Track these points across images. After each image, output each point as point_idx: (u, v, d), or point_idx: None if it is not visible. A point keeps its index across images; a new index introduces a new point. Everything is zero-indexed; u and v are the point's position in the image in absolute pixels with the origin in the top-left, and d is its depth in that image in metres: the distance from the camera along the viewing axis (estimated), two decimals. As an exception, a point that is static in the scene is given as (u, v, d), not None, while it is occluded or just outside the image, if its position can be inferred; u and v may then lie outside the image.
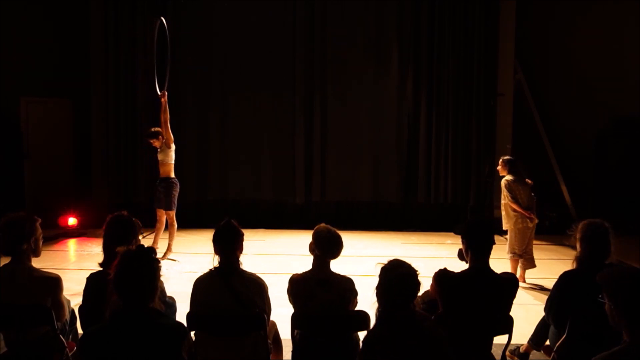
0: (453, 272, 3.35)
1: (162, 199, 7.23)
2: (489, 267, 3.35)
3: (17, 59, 10.43)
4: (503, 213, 6.72)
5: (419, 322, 2.62)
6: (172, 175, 7.34)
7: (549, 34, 10.90)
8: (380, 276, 2.70)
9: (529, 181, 6.69)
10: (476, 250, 3.35)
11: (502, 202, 6.68)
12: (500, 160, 6.89)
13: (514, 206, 6.52)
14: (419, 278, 2.69)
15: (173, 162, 7.34)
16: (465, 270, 3.38)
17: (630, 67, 10.49)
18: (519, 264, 6.65)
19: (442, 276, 3.32)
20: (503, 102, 10.27)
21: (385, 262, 2.75)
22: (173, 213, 7.23)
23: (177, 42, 10.19)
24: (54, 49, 10.79)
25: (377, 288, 2.69)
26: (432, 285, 3.38)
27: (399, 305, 2.61)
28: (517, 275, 6.57)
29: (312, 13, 10.31)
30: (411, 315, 2.62)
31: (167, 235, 7.41)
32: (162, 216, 7.26)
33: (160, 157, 7.34)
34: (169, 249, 7.29)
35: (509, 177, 6.62)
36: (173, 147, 7.33)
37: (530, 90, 10.64)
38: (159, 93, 7.35)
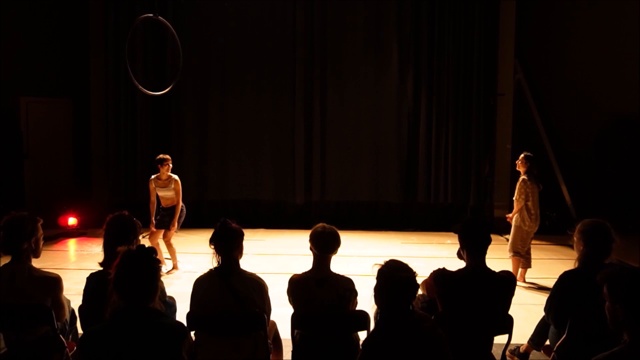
0: (450, 271, 3.36)
1: (168, 221, 6.88)
2: (486, 266, 3.35)
3: (17, 59, 10.44)
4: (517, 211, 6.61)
5: (419, 322, 2.62)
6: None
7: (549, 34, 10.90)
8: (378, 278, 2.68)
9: (540, 186, 6.67)
10: (473, 249, 3.35)
11: (518, 209, 6.55)
12: (522, 155, 6.68)
13: (518, 206, 6.49)
14: (417, 279, 2.68)
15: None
16: (462, 269, 3.38)
17: (630, 67, 10.49)
18: (520, 264, 6.65)
19: (440, 276, 3.32)
20: (503, 102, 10.27)
21: (382, 263, 2.73)
22: (172, 234, 6.99)
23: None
24: (54, 48, 10.80)
25: (375, 290, 2.67)
26: (427, 282, 3.39)
27: (397, 306, 2.61)
28: (518, 275, 6.58)
29: (312, 13, 10.31)
30: (410, 315, 2.61)
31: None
32: (157, 238, 6.90)
33: (168, 194, 6.90)
34: (175, 267, 7.11)
35: (525, 177, 6.54)
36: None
37: (530, 90, 10.64)
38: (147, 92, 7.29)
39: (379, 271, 2.68)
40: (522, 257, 6.61)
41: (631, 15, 10.49)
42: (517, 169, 6.75)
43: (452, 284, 3.27)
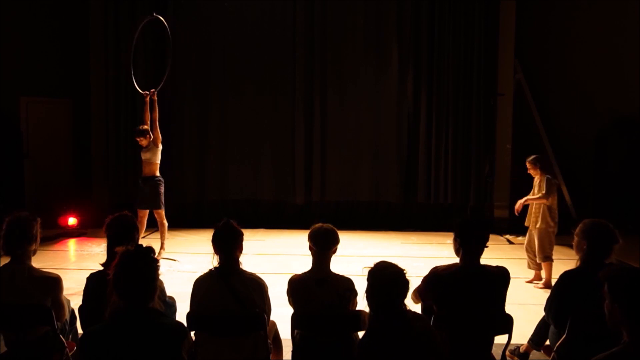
0: (443, 271, 3.33)
1: (149, 199, 7.05)
2: (479, 263, 3.34)
3: (17, 59, 10.44)
4: (538, 212, 6.46)
5: (411, 321, 2.63)
6: (157, 173, 7.16)
7: (549, 34, 10.90)
8: (367, 278, 2.73)
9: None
10: (469, 248, 3.33)
11: (538, 200, 6.40)
12: (531, 158, 6.51)
13: (541, 201, 6.36)
14: (410, 277, 2.71)
15: (159, 161, 7.18)
16: (456, 267, 3.36)
17: (630, 67, 10.48)
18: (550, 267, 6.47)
19: (434, 277, 3.30)
20: (503, 102, 10.27)
21: (372, 265, 2.77)
22: (163, 211, 7.09)
23: (177, 43, 10.20)
24: (54, 48, 10.79)
25: (366, 291, 2.72)
26: (420, 289, 3.37)
27: (388, 306, 2.63)
28: (544, 279, 6.46)
29: (312, 13, 10.31)
30: (402, 315, 2.63)
31: (154, 234, 7.26)
32: (144, 217, 7.04)
33: (147, 155, 7.12)
34: (162, 247, 7.16)
35: (548, 176, 6.46)
36: (160, 146, 7.17)
37: (530, 90, 10.64)
38: (141, 92, 7.39)
39: (369, 272, 2.74)
40: (552, 260, 6.46)
41: (631, 15, 10.48)
42: (528, 171, 6.59)
43: (446, 284, 3.26)
